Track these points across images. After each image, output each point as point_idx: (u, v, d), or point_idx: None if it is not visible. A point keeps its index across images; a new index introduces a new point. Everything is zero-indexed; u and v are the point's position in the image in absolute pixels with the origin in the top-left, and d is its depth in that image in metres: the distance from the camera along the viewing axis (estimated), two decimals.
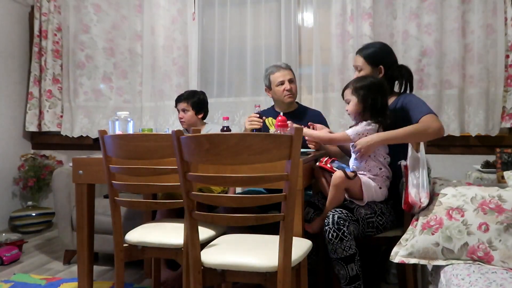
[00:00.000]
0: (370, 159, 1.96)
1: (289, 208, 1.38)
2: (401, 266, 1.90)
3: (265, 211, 2.37)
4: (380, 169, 1.96)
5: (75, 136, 3.67)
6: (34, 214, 3.57)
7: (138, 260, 2.16)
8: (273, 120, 2.40)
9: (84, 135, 3.68)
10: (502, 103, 2.86)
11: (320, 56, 3.17)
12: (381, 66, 2.12)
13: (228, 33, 3.38)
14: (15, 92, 3.76)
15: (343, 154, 2.40)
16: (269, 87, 2.60)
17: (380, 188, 1.96)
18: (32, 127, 3.74)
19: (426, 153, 1.91)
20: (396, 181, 2.01)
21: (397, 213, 2.00)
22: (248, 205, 1.50)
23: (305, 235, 1.81)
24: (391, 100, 2.13)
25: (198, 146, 1.37)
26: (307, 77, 3.29)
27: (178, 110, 2.84)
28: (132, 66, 3.59)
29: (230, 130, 2.27)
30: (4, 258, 2.81)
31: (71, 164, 2.05)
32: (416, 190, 1.80)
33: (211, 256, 1.50)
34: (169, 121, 3.47)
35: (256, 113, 2.33)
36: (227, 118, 2.32)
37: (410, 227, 1.80)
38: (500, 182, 2.28)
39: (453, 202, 1.71)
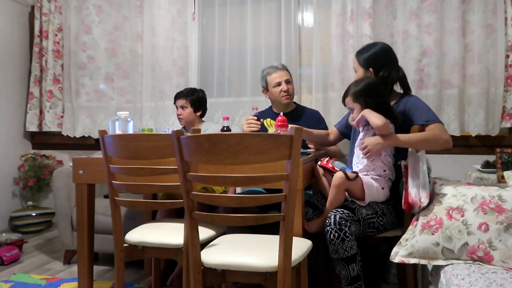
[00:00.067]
0: (377, 159, 1.94)
1: (289, 208, 1.38)
2: (401, 266, 1.89)
3: (265, 211, 2.36)
4: (385, 170, 1.95)
5: (77, 136, 3.68)
6: (34, 214, 3.57)
7: (138, 260, 2.15)
8: (271, 121, 2.40)
9: (86, 136, 3.69)
10: (502, 103, 2.86)
11: (320, 56, 3.16)
12: (371, 69, 2.09)
13: (228, 33, 3.38)
14: (15, 92, 3.76)
15: (343, 154, 2.40)
16: (266, 89, 2.58)
17: (383, 188, 1.95)
18: (32, 127, 3.74)
19: (426, 153, 1.92)
20: (396, 181, 2.01)
21: (397, 213, 2.00)
22: (248, 205, 1.50)
23: (305, 235, 1.81)
24: (392, 101, 2.12)
25: (198, 146, 1.37)
26: (307, 77, 3.29)
27: (177, 107, 2.83)
28: (133, 67, 3.59)
29: (230, 130, 2.27)
30: (4, 258, 2.81)
31: (71, 164, 2.05)
32: (416, 190, 1.80)
33: (211, 256, 1.50)
34: (169, 121, 3.47)
35: (253, 116, 2.33)
36: (227, 118, 2.32)
37: (410, 227, 1.80)
38: (500, 182, 2.28)
39: (453, 202, 1.71)
